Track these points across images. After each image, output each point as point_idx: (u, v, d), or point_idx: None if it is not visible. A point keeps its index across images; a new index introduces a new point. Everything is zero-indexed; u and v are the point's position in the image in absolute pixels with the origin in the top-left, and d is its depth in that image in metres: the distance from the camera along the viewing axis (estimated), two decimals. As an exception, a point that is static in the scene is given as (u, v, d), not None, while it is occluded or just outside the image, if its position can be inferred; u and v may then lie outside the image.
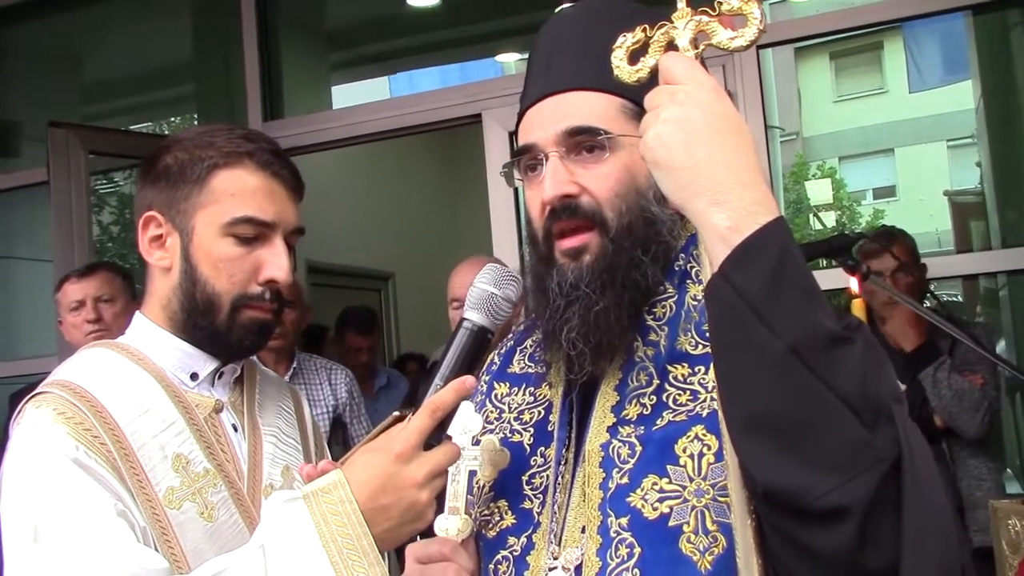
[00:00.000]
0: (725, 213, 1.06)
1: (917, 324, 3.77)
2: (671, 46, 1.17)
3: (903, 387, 2.91)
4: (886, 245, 3.86)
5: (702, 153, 1.07)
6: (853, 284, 2.60)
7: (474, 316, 1.38)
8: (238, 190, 1.65)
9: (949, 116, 16.26)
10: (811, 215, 19.93)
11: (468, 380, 1.32)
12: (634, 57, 1.20)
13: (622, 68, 1.20)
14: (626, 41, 1.20)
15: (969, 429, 3.65)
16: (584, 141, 1.35)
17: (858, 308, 2.58)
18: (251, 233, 1.66)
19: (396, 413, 1.36)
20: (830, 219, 20.70)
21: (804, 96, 22.62)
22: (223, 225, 1.65)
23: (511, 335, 1.63)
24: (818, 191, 21.28)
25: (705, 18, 1.15)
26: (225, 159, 1.66)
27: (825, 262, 3.05)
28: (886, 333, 3.97)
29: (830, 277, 3.98)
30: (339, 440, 4.25)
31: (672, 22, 1.17)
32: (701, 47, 1.16)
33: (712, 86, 1.11)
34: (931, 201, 16.18)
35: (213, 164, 1.66)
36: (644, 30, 1.19)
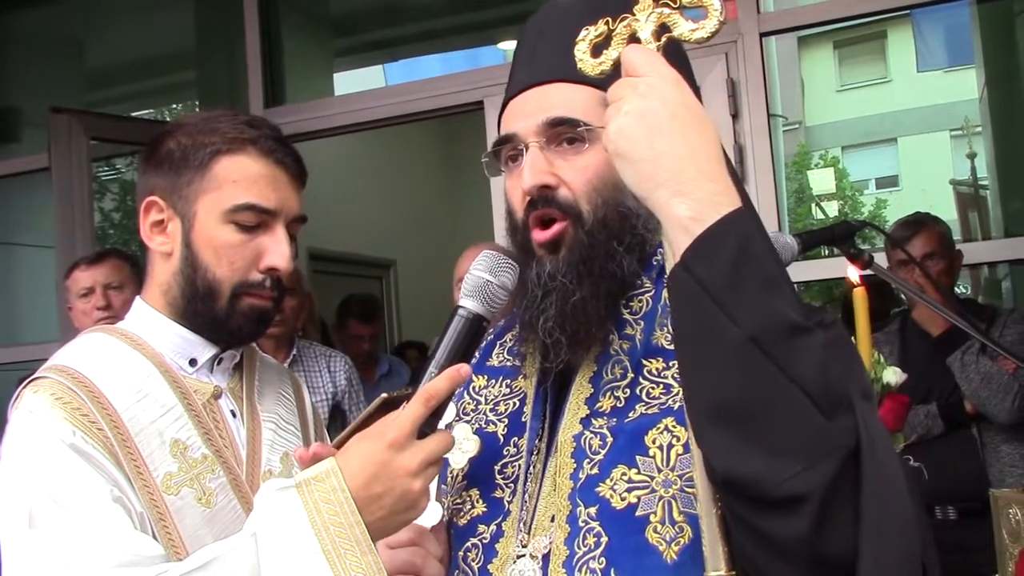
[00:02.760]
0: (687, 204, 1.06)
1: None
2: (634, 39, 1.17)
3: (903, 376, 2.89)
4: (911, 234, 3.83)
5: (664, 145, 1.07)
6: (853, 273, 2.59)
7: (469, 304, 1.36)
8: (240, 177, 1.65)
9: (952, 106, 16.24)
10: (813, 204, 19.92)
11: (463, 368, 1.31)
12: (598, 50, 1.20)
13: (585, 61, 1.20)
14: (589, 34, 1.20)
15: (999, 414, 3.60)
16: (564, 132, 1.36)
17: (859, 297, 2.57)
18: (253, 220, 1.65)
19: (384, 395, 1.36)
20: (832, 208, 20.70)
21: (807, 85, 22.62)
22: (225, 212, 1.64)
23: (491, 330, 1.62)
24: (820, 180, 21.29)
25: (667, 10, 1.15)
26: (228, 145, 1.65)
27: (827, 250, 3.04)
28: (915, 319, 3.96)
29: (831, 266, 3.98)
30: (338, 427, 4.25)
31: (634, 14, 1.17)
32: (663, 39, 1.16)
33: (674, 78, 1.11)
34: (934, 191, 16.17)
35: (216, 150, 1.65)
36: (607, 23, 1.19)
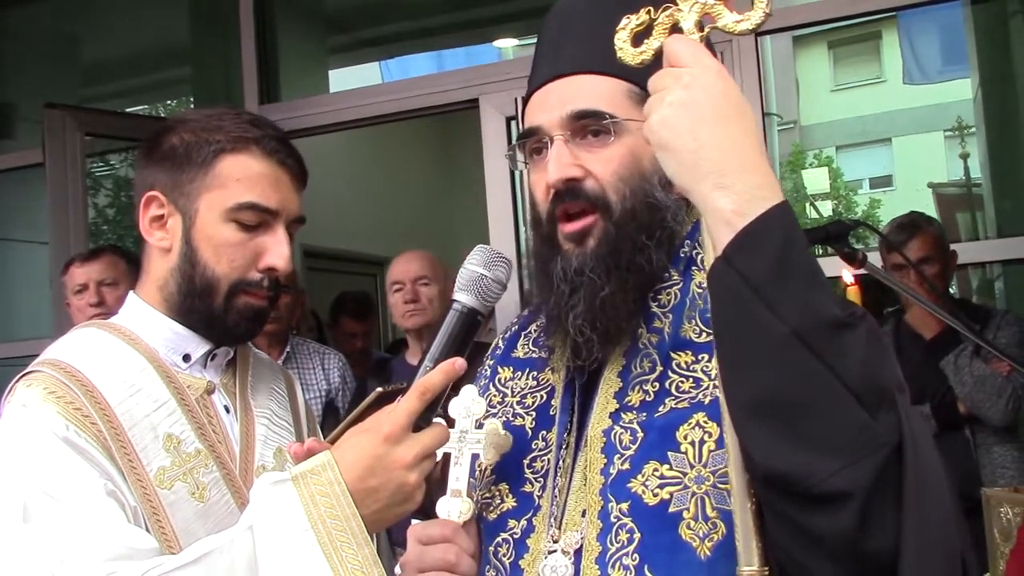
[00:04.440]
0: (729, 197, 1.06)
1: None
2: (675, 28, 1.17)
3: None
4: (906, 238, 3.84)
5: (707, 136, 1.08)
6: (847, 273, 2.60)
7: (464, 298, 1.37)
8: (244, 175, 1.65)
9: (946, 106, 16.23)
10: (807, 204, 19.93)
11: (457, 362, 1.32)
12: (637, 39, 1.19)
13: (625, 50, 1.19)
14: (630, 23, 1.19)
15: (993, 415, 3.63)
16: (589, 125, 1.36)
17: (853, 295, 2.58)
18: (254, 220, 1.66)
19: (379, 389, 1.36)
20: (826, 208, 20.71)
21: (802, 85, 22.61)
22: (227, 210, 1.65)
23: (515, 320, 1.62)
24: (815, 180, 21.29)
25: (711, 0, 1.15)
26: (232, 144, 1.66)
27: (821, 249, 3.05)
28: (908, 322, 3.97)
29: (825, 265, 3.98)
30: (332, 425, 4.23)
31: (677, 4, 1.17)
32: (706, 30, 1.16)
33: (718, 69, 1.11)
34: (928, 191, 16.18)
35: (220, 148, 1.65)
36: (648, 12, 1.18)
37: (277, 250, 1.67)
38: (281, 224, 1.68)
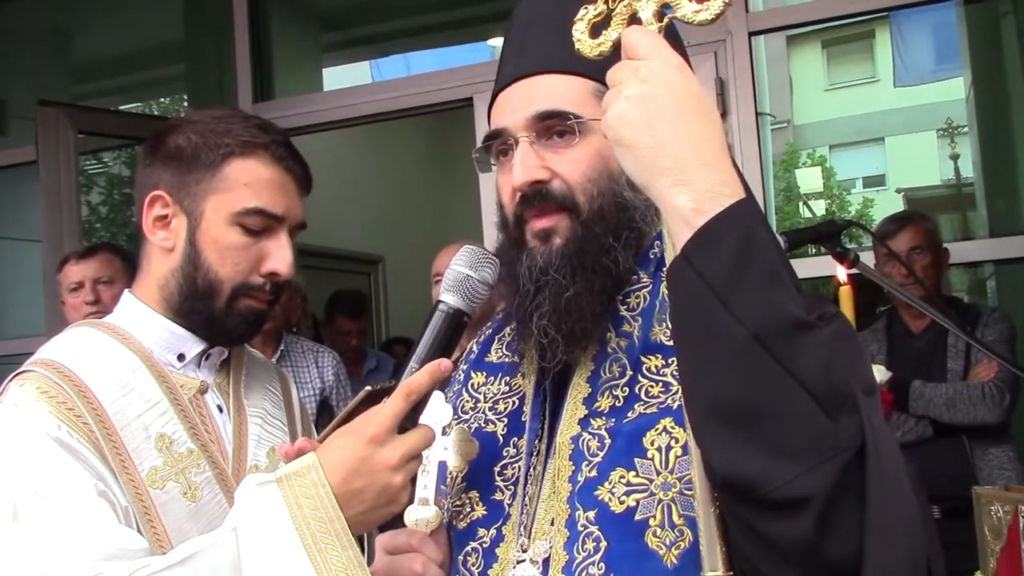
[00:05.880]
0: (689, 194, 1.02)
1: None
2: (634, 19, 1.13)
3: (887, 375, 2.90)
4: (898, 228, 3.87)
5: (666, 132, 1.03)
6: (841, 272, 2.61)
7: (449, 298, 1.36)
8: (252, 180, 1.66)
9: (939, 106, 16.27)
10: (801, 203, 19.97)
11: (443, 363, 1.30)
12: (596, 30, 1.15)
13: (583, 42, 1.16)
14: (588, 13, 1.15)
15: (986, 419, 3.62)
16: (554, 125, 1.33)
17: (845, 295, 2.59)
18: (260, 225, 1.66)
19: (368, 388, 1.35)
20: (820, 207, 20.76)
21: (796, 84, 22.65)
22: (233, 214, 1.65)
23: (490, 323, 1.60)
24: (808, 179, 21.34)
25: None
26: (242, 148, 1.66)
27: (814, 249, 3.06)
28: (903, 317, 3.97)
29: (818, 264, 4.00)
30: (326, 423, 4.24)
31: None
32: (665, 20, 1.12)
33: (677, 63, 1.07)
34: (914, 192, 16.23)
35: (229, 152, 1.66)
36: (606, 2, 1.15)
37: (280, 255, 1.68)
38: (285, 230, 1.69)
